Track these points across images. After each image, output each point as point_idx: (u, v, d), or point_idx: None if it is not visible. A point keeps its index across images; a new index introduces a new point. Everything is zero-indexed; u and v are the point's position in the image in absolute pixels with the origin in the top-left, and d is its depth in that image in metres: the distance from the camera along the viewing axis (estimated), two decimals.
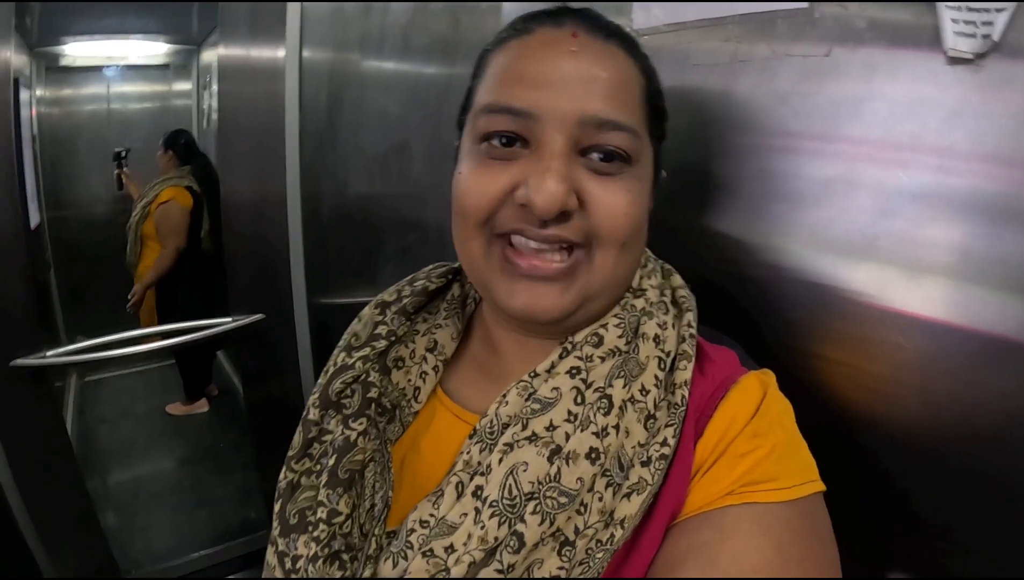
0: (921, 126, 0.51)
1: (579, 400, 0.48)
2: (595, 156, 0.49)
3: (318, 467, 0.53)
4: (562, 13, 0.52)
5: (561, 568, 0.44)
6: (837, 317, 0.58)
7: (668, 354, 0.51)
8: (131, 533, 2.06)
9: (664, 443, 0.47)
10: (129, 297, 2.78)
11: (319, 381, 0.58)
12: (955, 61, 0.49)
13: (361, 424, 0.54)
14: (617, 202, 0.49)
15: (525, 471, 0.45)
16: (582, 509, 0.45)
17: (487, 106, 0.50)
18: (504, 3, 0.88)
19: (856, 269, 0.57)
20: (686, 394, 0.49)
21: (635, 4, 0.72)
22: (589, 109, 0.47)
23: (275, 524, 0.52)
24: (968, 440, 0.52)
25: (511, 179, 0.48)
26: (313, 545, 0.49)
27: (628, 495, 0.46)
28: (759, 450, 0.46)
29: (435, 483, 0.52)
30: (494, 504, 0.45)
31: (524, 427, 0.48)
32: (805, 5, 0.58)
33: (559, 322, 0.51)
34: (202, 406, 3.05)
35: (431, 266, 0.66)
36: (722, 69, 0.65)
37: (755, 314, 0.65)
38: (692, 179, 0.69)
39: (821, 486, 0.47)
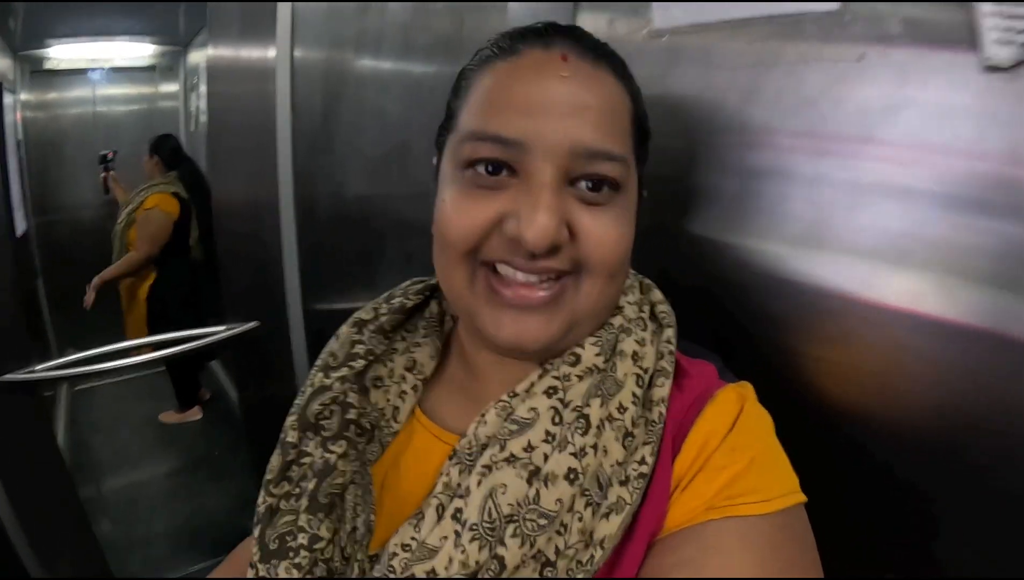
0: (954, 134, 0.50)
1: (557, 420, 0.48)
2: (584, 185, 0.48)
3: (297, 491, 0.53)
4: (550, 32, 0.50)
5: None
6: (867, 327, 0.57)
7: (646, 371, 0.51)
8: (127, 544, 2.03)
9: (642, 461, 0.47)
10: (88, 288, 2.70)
11: (296, 402, 0.57)
12: (990, 69, 0.48)
13: (341, 446, 0.53)
14: (608, 233, 0.48)
15: (504, 494, 0.45)
16: (562, 530, 0.45)
17: (473, 133, 0.48)
18: (510, 3, 0.85)
19: (889, 277, 0.55)
20: (663, 411, 0.49)
21: (654, 4, 0.70)
22: (580, 139, 0.46)
23: (255, 550, 0.51)
24: (961, 431, 0.52)
25: (498, 210, 0.47)
26: (295, 571, 0.49)
27: (607, 515, 0.46)
28: (738, 463, 0.47)
29: (415, 505, 0.51)
30: (474, 527, 0.45)
31: (502, 448, 0.48)
32: (835, 7, 0.56)
33: (545, 350, 0.51)
34: (195, 414, 3.02)
35: (408, 282, 0.65)
36: (747, 72, 0.63)
37: (779, 324, 0.64)
38: (714, 183, 0.67)
39: (802, 497, 0.47)
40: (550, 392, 0.50)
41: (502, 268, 0.49)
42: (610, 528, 0.45)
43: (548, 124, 0.46)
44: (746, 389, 0.53)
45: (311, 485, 0.51)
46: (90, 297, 2.68)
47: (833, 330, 0.60)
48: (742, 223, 0.65)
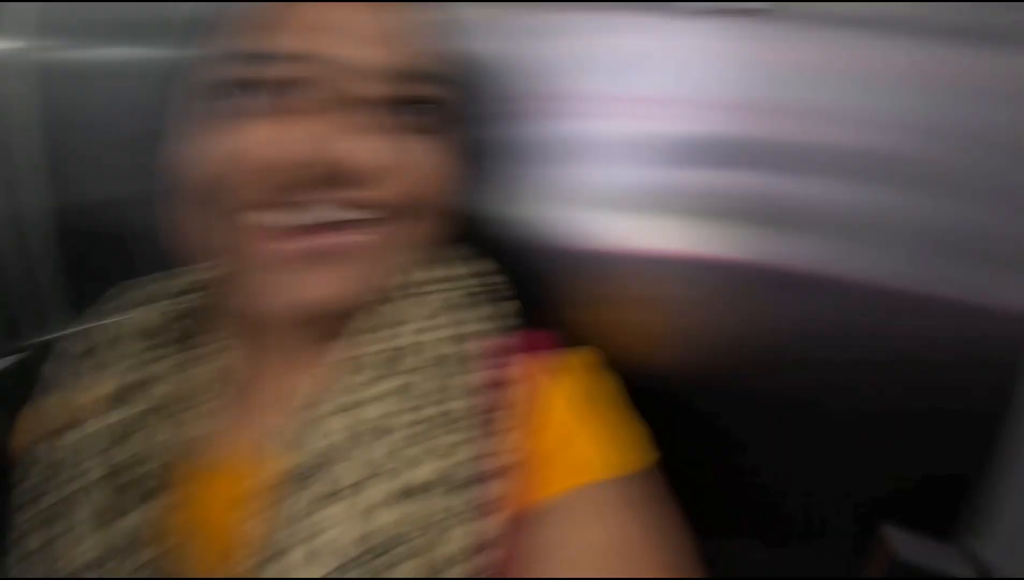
0: (655, 78, 0.56)
1: (389, 431, 0.42)
2: (397, 108, 0.42)
3: None
4: None
5: None
6: (637, 275, 0.61)
7: (473, 356, 0.47)
8: None
9: (495, 454, 0.44)
10: None
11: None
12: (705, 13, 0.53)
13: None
14: (422, 163, 0.43)
15: (369, 520, 0.39)
16: (435, 541, 0.40)
17: (253, 54, 0.39)
18: None
19: (648, 226, 0.59)
20: (503, 395, 0.46)
21: None
22: (392, 57, 0.41)
23: None
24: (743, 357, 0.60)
25: (287, 137, 0.39)
26: None
27: (471, 519, 0.41)
28: (591, 431, 0.46)
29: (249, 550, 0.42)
30: (356, 560, 0.38)
31: (335, 474, 0.41)
32: None
33: (346, 310, 0.44)
34: None
35: (110, 298, 0.54)
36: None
37: (558, 290, 0.66)
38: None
39: (653, 454, 0.47)
40: (374, 398, 0.43)
41: (280, 216, 0.41)
42: (467, 539, 0.41)
43: (349, 39, 0.39)
44: (589, 355, 0.51)
45: None
46: None
47: (609, 286, 0.63)
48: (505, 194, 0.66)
